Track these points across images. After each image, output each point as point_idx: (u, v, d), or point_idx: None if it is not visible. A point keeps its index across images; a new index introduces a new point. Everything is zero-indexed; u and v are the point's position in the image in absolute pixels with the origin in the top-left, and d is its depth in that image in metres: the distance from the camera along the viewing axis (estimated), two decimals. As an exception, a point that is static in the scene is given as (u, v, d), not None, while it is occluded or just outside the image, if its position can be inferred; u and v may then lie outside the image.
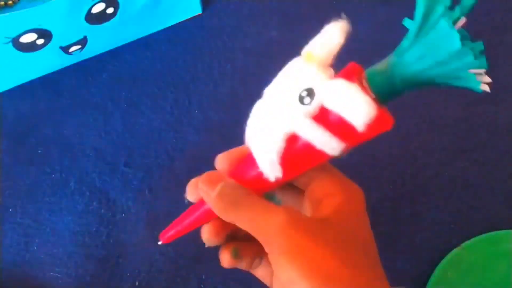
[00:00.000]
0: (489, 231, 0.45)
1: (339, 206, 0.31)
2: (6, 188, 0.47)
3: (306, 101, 0.29)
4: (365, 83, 0.29)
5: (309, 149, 0.30)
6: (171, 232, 0.35)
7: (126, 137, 0.51)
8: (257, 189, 0.32)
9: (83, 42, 0.52)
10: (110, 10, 0.50)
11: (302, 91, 0.29)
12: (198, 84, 0.54)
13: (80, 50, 0.53)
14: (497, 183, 0.48)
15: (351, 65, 0.29)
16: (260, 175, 0.32)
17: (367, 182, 0.43)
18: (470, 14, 0.60)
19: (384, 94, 0.28)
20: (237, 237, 0.35)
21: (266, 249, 0.30)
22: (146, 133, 0.51)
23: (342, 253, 0.29)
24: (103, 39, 0.53)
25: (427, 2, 0.27)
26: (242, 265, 0.35)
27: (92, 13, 0.49)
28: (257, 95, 0.53)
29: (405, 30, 0.61)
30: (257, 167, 0.32)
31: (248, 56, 0.55)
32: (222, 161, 0.34)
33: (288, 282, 0.28)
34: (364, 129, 0.28)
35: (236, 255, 0.35)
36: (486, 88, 0.26)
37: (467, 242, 0.44)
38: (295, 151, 0.30)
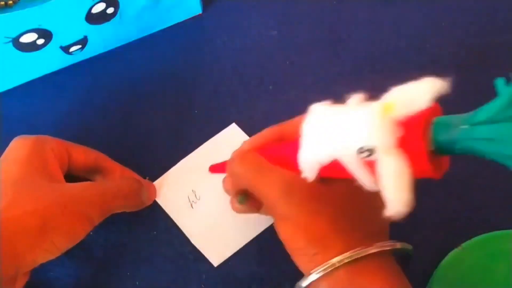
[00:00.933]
0: (489, 231, 0.45)
1: None
2: (6, 188, 0.47)
3: (364, 154, 0.30)
4: (429, 133, 0.29)
5: (348, 174, 0.32)
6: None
7: (126, 137, 0.51)
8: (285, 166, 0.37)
9: (83, 42, 0.52)
10: (110, 10, 0.50)
11: (364, 146, 0.30)
12: (198, 84, 0.53)
13: (81, 50, 0.53)
14: (497, 183, 0.48)
15: (431, 108, 0.29)
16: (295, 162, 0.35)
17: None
18: (471, 14, 0.60)
19: (442, 150, 0.29)
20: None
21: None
22: (146, 133, 0.51)
23: (331, 217, 0.35)
24: (103, 39, 0.53)
25: None
26: (247, 210, 0.41)
27: (92, 13, 0.49)
28: (257, 95, 0.53)
29: (404, 33, 0.61)
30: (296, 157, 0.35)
31: (248, 56, 0.55)
32: (248, 142, 0.42)
33: (284, 241, 0.36)
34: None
35: (242, 201, 0.41)
36: None
37: (467, 242, 0.44)
38: (335, 168, 0.33)
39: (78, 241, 0.40)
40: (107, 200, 0.42)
